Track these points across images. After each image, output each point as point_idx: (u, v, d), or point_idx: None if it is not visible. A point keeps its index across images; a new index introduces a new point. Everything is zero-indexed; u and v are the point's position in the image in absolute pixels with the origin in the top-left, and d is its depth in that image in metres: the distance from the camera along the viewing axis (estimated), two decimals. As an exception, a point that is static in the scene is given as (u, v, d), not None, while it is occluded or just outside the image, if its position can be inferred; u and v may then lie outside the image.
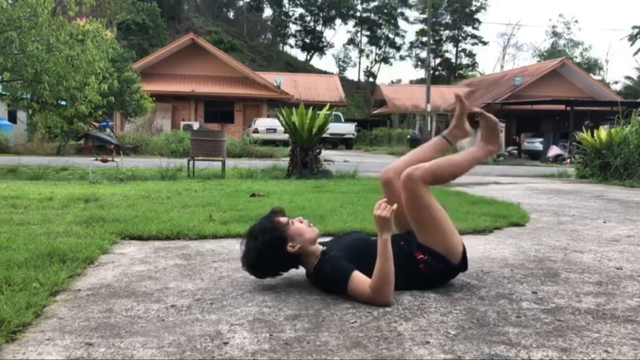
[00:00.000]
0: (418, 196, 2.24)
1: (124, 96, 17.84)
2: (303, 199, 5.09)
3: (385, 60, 63.49)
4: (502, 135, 21.27)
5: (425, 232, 2.26)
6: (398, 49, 62.94)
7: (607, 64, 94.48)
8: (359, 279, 2.11)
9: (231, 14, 66.38)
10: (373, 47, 63.03)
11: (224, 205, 4.60)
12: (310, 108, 8.60)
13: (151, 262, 2.75)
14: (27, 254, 2.61)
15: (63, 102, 10.06)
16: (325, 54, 73.84)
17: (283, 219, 2.28)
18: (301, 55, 64.53)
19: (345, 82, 49.98)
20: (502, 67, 60.86)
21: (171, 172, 8.01)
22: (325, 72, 54.11)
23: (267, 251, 2.20)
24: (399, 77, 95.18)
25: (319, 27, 63.04)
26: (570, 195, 6.59)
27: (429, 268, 2.24)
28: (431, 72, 34.28)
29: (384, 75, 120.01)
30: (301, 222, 2.31)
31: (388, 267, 2.08)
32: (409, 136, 24.15)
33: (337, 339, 1.74)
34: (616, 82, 57.16)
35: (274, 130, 23.88)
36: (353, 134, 29.81)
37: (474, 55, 64.03)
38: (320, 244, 2.37)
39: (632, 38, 11.31)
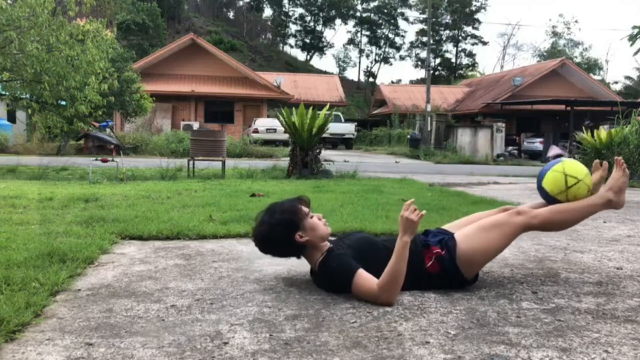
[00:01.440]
0: (507, 232, 2.31)
1: (124, 96, 17.84)
2: (303, 199, 5.08)
3: (385, 60, 63.52)
4: (502, 135, 21.39)
5: (474, 238, 2.28)
6: (398, 49, 62.95)
7: (607, 64, 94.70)
8: (365, 277, 2.12)
9: (231, 14, 66.36)
10: (373, 47, 63.06)
11: (224, 205, 4.60)
12: (310, 108, 8.61)
13: (151, 262, 2.75)
14: (26, 254, 2.61)
15: (63, 102, 10.06)
16: (325, 54, 73.97)
17: (305, 209, 2.32)
18: (301, 55, 64.61)
19: (345, 82, 49.98)
20: (502, 67, 60.96)
21: (171, 172, 8.02)
22: (325, 72, 54.10)
23: (276, 230, 2.24)
24: (399, 77, 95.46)
25: (319, 27, 63.07)
26: (570, 195, 6.58)
27: (437, 266, 2.24)
28: (431, 72, 34.26)
29: (384, 75, 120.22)
30: (320, 219, 2.34)
31: (402, 268, 2.10)
32: (408, 136, 24.09)
33: (337, 339, 1.74)
34: (616, 82, 57.24)
35: (274, 130, 23.88)
36: (353, 134, 29.79)
37: (474, 55, 64.09)
38: None
39: (632, 38, 11.30)
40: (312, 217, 2.31)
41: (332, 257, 2.22)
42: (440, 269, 2.25)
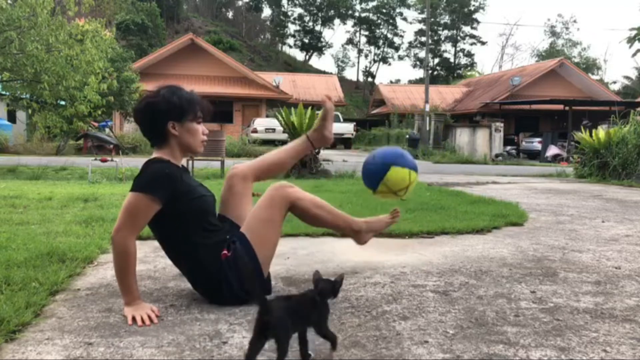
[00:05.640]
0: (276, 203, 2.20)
1: (123, 96, 17.84)
2: (302, 199, 5.09)
3: (384, 60, 63.49)
4: (501, 135, 21.36)
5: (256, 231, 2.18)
6: (397, 48, 62.91)
7: (606, 64, 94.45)
8: (135, 205, 1.98)
9: (230, 14, 66.33)
10: (372, 47, 63.02)
11: (223, 205, 4.59)
12: (309, 108, 8.61)
13: (150, 262, 2.75)
14: (26, 254, 2.62)
15: (62, 102, 10.06)
16: (324, 54, 73.59)
17: (200, 113, 2.16)
18: (300, 55, 64.54)
19: (344, 82, 49.93)
20: (500, 67, 60.86)
21: (170, 172, 7.99)
22: (324, 72, 54.09)
23: (160, 107, 2.07)
24: (398, 77, 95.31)
25: (317, 27, 62.99)
26: (569, 194, 6.60)
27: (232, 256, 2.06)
28: (430, 72, 34.26)
29: (383, 75, 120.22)
30: (204, 133, 2.21)
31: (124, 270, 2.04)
32: (407, 136, 24.07)
33: (336, 338, 1.75)
34: (614, 82, 57.15)
35: (273, 130, 23.86)
36: (352, 134, 29.78)
37: (473, 55, 64.28)
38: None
39: (631, 40, 11.33)
40: (199, 123, 2.17)
41: (160, 166, 2.05)
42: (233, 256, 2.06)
